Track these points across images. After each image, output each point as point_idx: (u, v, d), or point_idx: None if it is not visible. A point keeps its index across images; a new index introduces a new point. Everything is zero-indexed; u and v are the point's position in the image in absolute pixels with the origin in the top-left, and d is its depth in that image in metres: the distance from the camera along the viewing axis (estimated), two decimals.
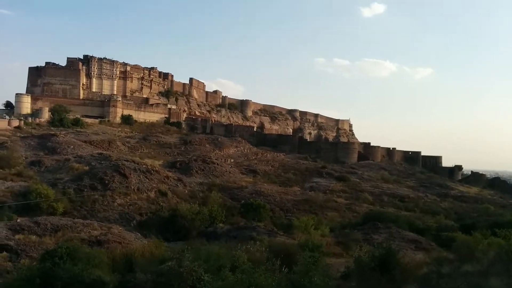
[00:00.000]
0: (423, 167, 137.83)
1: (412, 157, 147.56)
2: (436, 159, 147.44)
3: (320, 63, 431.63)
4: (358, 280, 12.21)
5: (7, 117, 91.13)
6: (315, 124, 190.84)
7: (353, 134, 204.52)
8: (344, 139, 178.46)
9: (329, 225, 38.97)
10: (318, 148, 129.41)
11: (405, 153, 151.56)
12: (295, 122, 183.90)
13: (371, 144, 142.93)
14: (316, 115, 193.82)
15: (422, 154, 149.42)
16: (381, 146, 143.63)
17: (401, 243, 29.10)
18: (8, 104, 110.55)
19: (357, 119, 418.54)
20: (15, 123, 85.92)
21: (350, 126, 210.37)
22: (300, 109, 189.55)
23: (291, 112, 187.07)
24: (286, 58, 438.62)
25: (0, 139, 70.43)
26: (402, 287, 11.89)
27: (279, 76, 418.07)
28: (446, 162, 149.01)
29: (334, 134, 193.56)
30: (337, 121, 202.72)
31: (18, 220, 27.83)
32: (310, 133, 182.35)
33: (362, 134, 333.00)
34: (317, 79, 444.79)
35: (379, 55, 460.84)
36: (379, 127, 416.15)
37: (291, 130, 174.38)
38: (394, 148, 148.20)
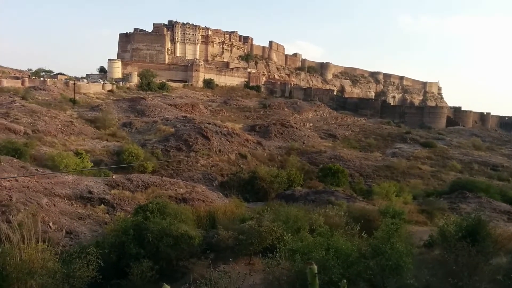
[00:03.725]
0: None
1: (509, 123, 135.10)
2: None
3: (405, 21, 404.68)
4: (443, 249, 11.63)
5: (101, 81, 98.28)
6: (400, 87, 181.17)
7: (441, 98, 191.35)
8: (431, 103, 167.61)
9: (412, 192, 37.40)
10: (402, 113, 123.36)
11: (501, 118, 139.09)
12: (378, 85, 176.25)
13: (462, 109, 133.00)
14: (401, 78, 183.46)
15: None
16: (473, 110, 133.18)
17: (492, 213, 27.09)
18: (101, 69, 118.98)
19: (447, 82, 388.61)
20: (108, 87, 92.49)
21: (439, 89, 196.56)
22: (383, 72, 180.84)
23: (373, 74, 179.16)
24: (368, 17, 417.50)
25: (95, 101, 76.70)
26: (493, 259, 11.13)
27: (361, 37, 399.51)
28: None
29: (421, 98, 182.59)
30: (424, 83, 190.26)
31: (113, 177, 30.23)
32: (394, 97, 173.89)
33: (452, 98, 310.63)
34: (403, 39, 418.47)
35: (474, 10, 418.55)
36: (472, 90, 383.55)
37: (373, 94, 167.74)
38: (488, 113, 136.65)
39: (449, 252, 10.00)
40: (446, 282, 8.47)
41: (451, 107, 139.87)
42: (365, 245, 11.08)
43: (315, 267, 5.39)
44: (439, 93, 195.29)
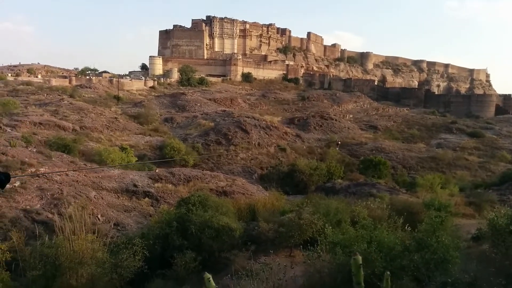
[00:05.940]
0: None
1: None
2: None
3: (450, 6, 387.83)
4: (493, 243, 11.15)
5: (143, 78, 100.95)
6: (445, 75, 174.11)
7: (490, 85, 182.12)
8: (479, 91, 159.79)
9: (459, 184, 36.08)
10: (447, 102, 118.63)
11: None
12: (421, 74, 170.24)
13: None
14: (447, 65, 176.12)
15: None
16: None
17: None
18: (143, 66, 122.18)
19: (496, 69, 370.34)
20: (150, 83, 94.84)
21: (487, 76, 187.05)
22: (427, 60, 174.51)
23: (416, 63, 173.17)
24: (410, 3, 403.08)
25: (138, 98, 78.89)
26: None
27: (403, 24, 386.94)
28: None
29: (467, 86, 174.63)
30: (471, 71, 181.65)
31: (157, 171, 31.12)
32: (438, 86, 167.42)
33: (502, 85, 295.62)
34: (448, 25, 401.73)
35: None
36: None
37: (416, 83, 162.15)
38: None
39: (499, 246, 9.59)
40: (496, 277, 8.14)
41: (500, 95, 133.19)
42: (408, 238, 10.82)
43: (360, 257, 5.33)
44: (487, 81, 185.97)
